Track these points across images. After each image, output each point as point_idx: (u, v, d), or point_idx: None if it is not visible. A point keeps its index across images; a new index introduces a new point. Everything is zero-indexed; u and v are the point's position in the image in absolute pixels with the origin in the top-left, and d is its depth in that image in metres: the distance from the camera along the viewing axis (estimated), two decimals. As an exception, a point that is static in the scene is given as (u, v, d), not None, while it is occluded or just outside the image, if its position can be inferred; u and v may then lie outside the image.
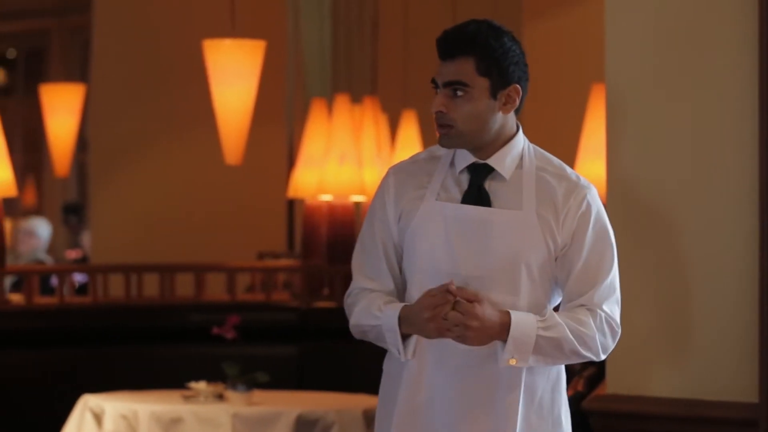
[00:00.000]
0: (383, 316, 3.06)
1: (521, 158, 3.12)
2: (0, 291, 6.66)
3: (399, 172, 3.15)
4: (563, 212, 3.09)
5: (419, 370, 3.09)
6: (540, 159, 3.16)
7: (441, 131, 3.08)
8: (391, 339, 3.05)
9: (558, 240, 3.09)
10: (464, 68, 3.04)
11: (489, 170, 3.10)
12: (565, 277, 3.11)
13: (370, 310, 3.09)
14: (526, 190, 3.09)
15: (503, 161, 3.10)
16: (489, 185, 3.09)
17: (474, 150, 3.10)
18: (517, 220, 3.06)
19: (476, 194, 3.08)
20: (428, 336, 3.03)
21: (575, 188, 3.12)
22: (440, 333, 3.00)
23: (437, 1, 8.92)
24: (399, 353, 3.06)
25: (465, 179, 3.10)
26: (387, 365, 3.19)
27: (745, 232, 3.90)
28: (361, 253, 3.16)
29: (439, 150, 3.14)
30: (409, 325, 3.04)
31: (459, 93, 3.05)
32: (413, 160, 3.17)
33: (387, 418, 3.15)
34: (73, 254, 12.18)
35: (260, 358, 6.29)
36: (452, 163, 3.12)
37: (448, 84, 3.06)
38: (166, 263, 7.32)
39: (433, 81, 3.09)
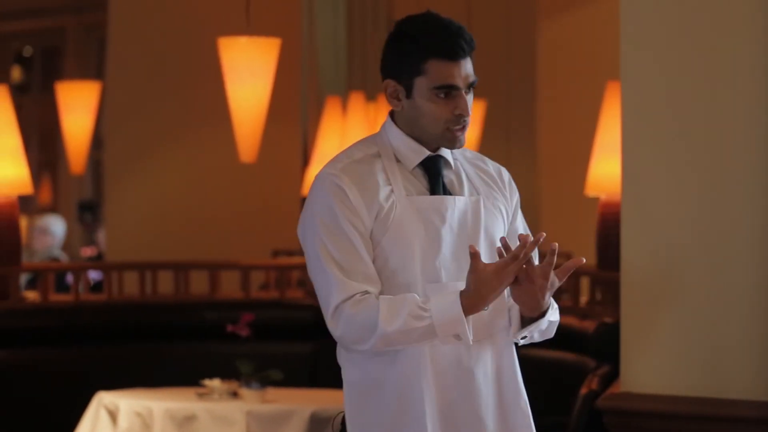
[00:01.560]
0: (434, 312, 2.93)
1: None
2: (15, 288, 6.67)
3: (349, 172, 3.03)
4: (505, 189, 3.15)
5: (436, 369, 3.03)
6: None
7: (461, 132, 3.04)
8: (449, 330, 2.93)
9: (509, 218, 3.15)
10: (471, 64, 3.04)
11: (441, 161, 3.09)
12: (509, 250, 3.13)
13: (407, 312, 2.95)
14: (471, 174, 3.13)
15: (447, 151, 3.12)
16: (444, 175, 3.10)
17: (423, 143, 3.08)
18: (484, 205, 3.09)
19: (442, 185, 3.08)
20: (495, 298, 2.95)
21: (499, 167, 3.19)
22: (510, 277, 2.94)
23: (452, -2, 8.92)
24: (459, 338, 2.95)
25: (420, 172, 3.07)
26: (380, 375, 3.06)
27: (762, 230, 3.89)
28: (338, 257, 3.00)
29: (370, 148, 3.08)
30: (474, 308, 2.94)
31: (472, 89, 3.05)
32: (354, 159, 3.06)
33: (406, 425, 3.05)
34: (88, 252, 12.21)
35: (274, 356, 6.30)
36: (397, 159, 3.07)
37: (471, 83, 3.03)
38: (180, 261, 7.33)
39: (446, 86, 3.01)
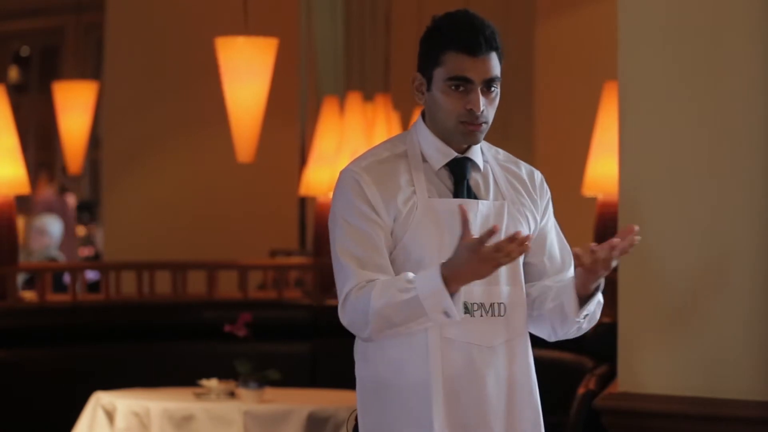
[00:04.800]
0: (418, 284, 2.92)
1: (481, 148, 3.13)
2: (13, 288, 6.67)
3: (371, 171, 3.05)
4: (535, 194, 3.15)
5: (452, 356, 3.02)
6: (489, 147, 3.18)
7: (475, 129, 3.03)
8: (434, 303, 2.91)
9: (538, 222, 3.15)
10: (495, 63, 3.03)
11: (469, 163, 3.09)
12: (540, 256, 3.14)
13: (395, 287, 2.94)
14: (500, 178, 3.12)
15: (477, 153, 3.11)
16: (470, 178, 3.09)
17: (452, 143, 3.08)
18: (507, 210, 3.08)
19: (467, 188, 3.07)
20: (484, 276, 2.92)
21: (532, 170, 3.19)
22: (496, 264, 2.88)
23: (450, -2, 8.91)
24: (448, 315, 2.92)
25: (445, 174, 3.07)
26: (389, 376, 3.05)
27: (759, 229, 3.89)
28: (355, 248, 3.01)
29: (398, 147, 3.09)
30: (457, 281, 2.89)
31: (494, 88, 3.04)
32: (378, 159, 3.08)
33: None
34: (85, 252, 12.20)
35: (272, 356, 6.29)
36: (423, 159, 3.08)
37: (489, 81, 3.03)
38: (178, 261, 7.33)
39: (459, 78, 3.01)
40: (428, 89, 3.07)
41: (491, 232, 2.85)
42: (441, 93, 3.04)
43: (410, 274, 2.97)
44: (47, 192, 12.67)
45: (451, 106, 3.03)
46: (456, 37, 3.01)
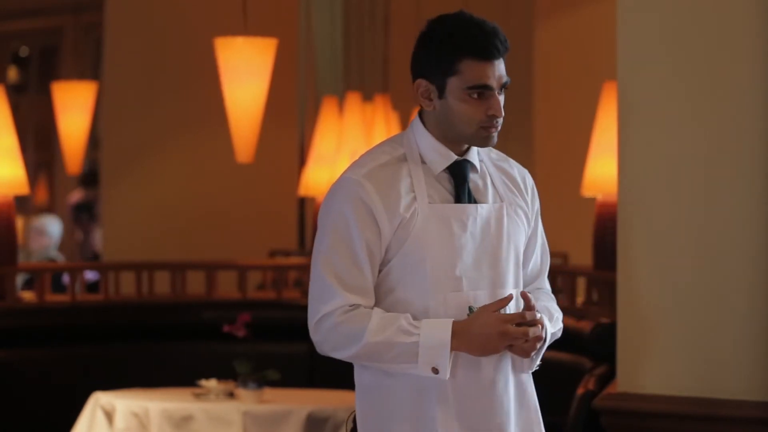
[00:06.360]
0: (424, 331, 2.91)
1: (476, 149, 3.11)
2: (12, 289, 6.67)
3: (372, 178, 2.99)
4: (527, 195, 3.13)
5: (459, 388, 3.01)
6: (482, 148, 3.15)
7: (494, 132, 3.01)
8: (431, 356, 2.91)
9: (531, 224, 3.14)
10: (503, 65, 3.01)
11: (468, 166, 3.06)
12: (527, 259, 3.14)
13: (397, 326, 2.93)
14: (496, 180, 3.10)
15: (474, 154, 3.08)
16: (469, 181, 3.07)
17: (451, 146, 3.05)
18: (506, 212, 3.07)
19: (468, 192, 3.05)
20: (485, 353, 2.95)
21: (524, 172, 3.16)
22: (499, 349, 2.96)
23: (449, -1, 8.91)
24: (436, 371, 2.93)
25: (445, 177, 3.04)
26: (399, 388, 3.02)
27: (758, 230, 3.89)
28: (339, 267, 2.97)
29: (396, 149, 3.04)
30: (461, 342, 2.92)
31: (504, 90, 3.02)
32: (379, 163, 3.02)
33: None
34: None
35: (271, 356, 6.29)
36: (422, 161, 3.04)
37: (504, 84, 3.00)
38: (177, 261, 7.33)
39: (480, 86, 2.96)
40: (440, 96, 3.01)
41: (525, 315, 2.94)
42: (460, 101, 2.98)
43: (410, 317, 2.95)
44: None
45: (471, 113, 2.98)
46: (471, 44, 2.96)
